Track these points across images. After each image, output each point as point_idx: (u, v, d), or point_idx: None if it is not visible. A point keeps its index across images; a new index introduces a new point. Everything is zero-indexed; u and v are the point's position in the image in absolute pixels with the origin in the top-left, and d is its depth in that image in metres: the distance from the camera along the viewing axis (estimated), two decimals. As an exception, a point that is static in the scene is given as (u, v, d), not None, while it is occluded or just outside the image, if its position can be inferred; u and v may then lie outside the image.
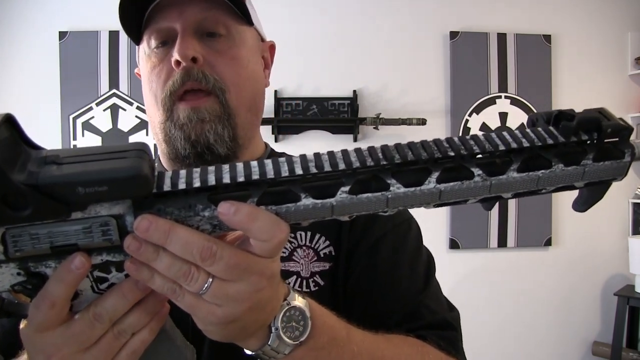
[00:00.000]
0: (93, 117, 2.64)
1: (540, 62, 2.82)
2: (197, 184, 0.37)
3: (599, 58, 2.91)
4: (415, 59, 2.78)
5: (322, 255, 0.68)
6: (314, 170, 0.37)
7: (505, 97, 2.82)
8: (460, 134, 2.79)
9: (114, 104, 2.65)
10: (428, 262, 0.73)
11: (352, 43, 2.73)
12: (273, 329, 0.44)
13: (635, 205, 2.92)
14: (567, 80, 2.87)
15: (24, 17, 2.62)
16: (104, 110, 2.64)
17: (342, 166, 0.37)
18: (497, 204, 2.52)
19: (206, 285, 0.37)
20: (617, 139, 0.42)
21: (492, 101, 2.80)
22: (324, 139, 2.67)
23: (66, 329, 0.39)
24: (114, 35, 2.63)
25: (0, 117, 0.33)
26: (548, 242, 2.84)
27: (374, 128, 2.63)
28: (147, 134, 2.66)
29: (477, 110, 2.79)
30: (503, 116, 2.82)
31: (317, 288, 0.67)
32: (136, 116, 2.66)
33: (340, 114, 2.68)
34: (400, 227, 0.72)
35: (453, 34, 2.78)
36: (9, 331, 0.63)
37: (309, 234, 0.69)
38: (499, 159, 0.39)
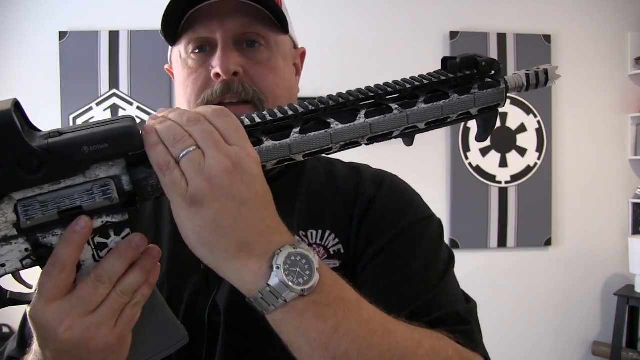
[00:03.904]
0: (93, 117, 2.64)
1: (540, 62, 2.79)
2: None
3: (599, 58, 2.91)
4: (415, 59, 2.78)
5: (332, 253, 0.68)
6: (269, 118, 0.47)
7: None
8: (461, 134, 2.80)
9: (114, 104, 2.65)
10: (447, 259, 0.70)
11: (352, 43, 2.73)
12: (274, 267, 0.42)
13: (635, 205, 2.92)
14: (567, 80, 2.87)
15: (24, 17, 2.62)
16: (104, 110, 2.64)
17: (290, 113, 0.47)
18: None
19: (190, 149, 0.41)
20: (493, 72, 0.54)
21: (492, 101, 2.81)
22: (324, 139, 2.66)
23: (72, 295, 0.42)
24: (114, 35, 2.63)
25: (9, 101, 0.39)
26: (548, 242, 2.84)
27: (374, 128, 2.63)
28: (147, 134, 2.67)
29: (477, 110, 2.79)
30: (503, 116, 2.82)
31: None
32: (136, 116, 2.66)
33: (340, 114, 2.67)
34: (418, 224, 0.70)
35: (453, 34, 2.78)
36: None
37: (319, 232, 0.69)
38: (408, 97, 0.51)
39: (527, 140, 2.85)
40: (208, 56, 0.67)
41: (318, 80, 2.70)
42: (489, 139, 3.10)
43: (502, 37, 2.81)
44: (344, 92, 0.50)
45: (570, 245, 2.88)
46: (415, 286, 0.65)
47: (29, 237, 0.42)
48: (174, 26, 0.68)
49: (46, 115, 2.59)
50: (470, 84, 0.53)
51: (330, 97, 0.49)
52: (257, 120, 0.46)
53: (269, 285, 0.42)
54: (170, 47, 0.73)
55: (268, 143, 0.46)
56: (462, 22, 2.80)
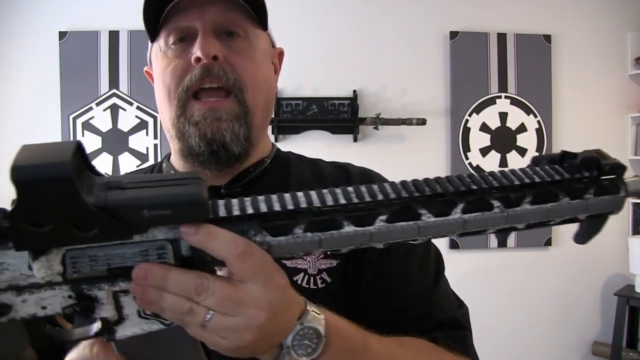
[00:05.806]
0: (93, 117, 2.64)
1: (540, 62, 2.82)
2: (249, 211, 0.40)
3: (599, 58, 2.91)
4: (415, 59, 2.78)
5: (328, 253, 0.70)
6: (355, 200, 0.41)
7: (505, 97, 2.82)
8: (461, 134, 2.80)
9: (114, 104, 2.65)
10: (437, 259, 0.73)
11: (352, 43, 2.73)
12: (284, 347, 0.45)
13: (635, 205, 2.92)
14: (567, 80, 2.87)
15: (24, 17, 2.62)
16: (104, 110, 2.64)
17: (380, 197, 0.41)
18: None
19: (207, 317, 0.40)
20: (613, 176, 0.47)
21: (492, 101, 2.80)
22: (324, 139, 2.67)
23: None
24: (114, 35, 2.63)
25: (72, 144, 0.36)
26: (548, 242, 2.84)
27: (374, 128, 2.63)
28: (147, 134, 2.66)
29: (477, 110, 2.79)
30: (503, 116, 2.82)
31: (324, 285, 0.68)
32: (136, 116, 2.65)
33: (340, 114, 2.67)
34: None
35: (453, 34, 2.78)
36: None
37: None
38: (514, 193, 0.44)
39: (527, 140, 2.84)
40: (188, 46, 0.67)
41: (318, 80, 2.71)
42: (488, 138, 3.08)
43: (502, 37, 2.80)
44: (441, 176, 0.44)
45: (570, 245, 2.86)
46: (416, 290, 0.68)
47: (73, 286, 0.40)
48: (154, 21, 0.69)
49: (46, 115, 2.59)
50: (586, 187, 0.46)
51: (426, 181, 0.43)
52: (342, 201, 0.41)
53: None
54: (149, 46, 0.74)
55: (349, 228, 0.41)
56: (462, 22, 2.80)
